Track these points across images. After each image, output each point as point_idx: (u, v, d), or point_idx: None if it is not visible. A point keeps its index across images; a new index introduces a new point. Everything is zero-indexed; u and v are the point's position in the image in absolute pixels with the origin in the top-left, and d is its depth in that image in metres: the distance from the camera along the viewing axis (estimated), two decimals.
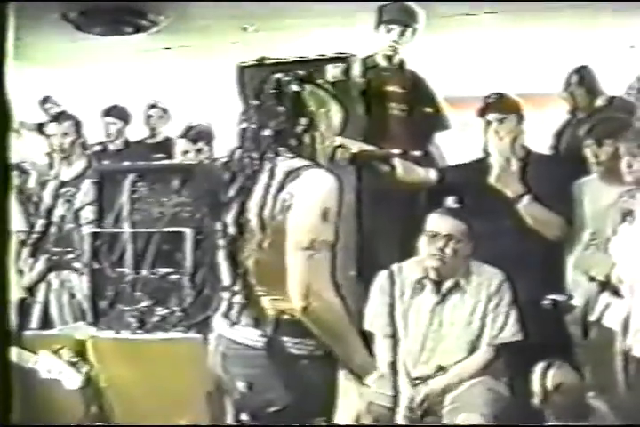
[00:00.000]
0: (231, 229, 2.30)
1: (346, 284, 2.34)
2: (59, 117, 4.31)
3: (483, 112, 3.43)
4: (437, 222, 3.16)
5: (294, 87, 2.29)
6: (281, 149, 2.25)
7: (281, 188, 2.20)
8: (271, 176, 2.24)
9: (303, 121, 2.27)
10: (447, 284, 3.18)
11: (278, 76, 2.31)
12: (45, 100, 5.08)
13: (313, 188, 2.19)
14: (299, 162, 2.23)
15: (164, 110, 5.03)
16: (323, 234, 2.18)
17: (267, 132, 2.26)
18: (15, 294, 3.86)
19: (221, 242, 2.36)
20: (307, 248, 2.16)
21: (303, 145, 2.27)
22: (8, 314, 1.72)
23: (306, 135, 2.27)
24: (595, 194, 3.24)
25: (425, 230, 3.16)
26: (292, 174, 2.20)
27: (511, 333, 3.12)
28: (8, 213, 1.65)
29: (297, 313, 2.22)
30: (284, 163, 2.24)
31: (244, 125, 2.33)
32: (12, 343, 1.83)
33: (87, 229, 3.72)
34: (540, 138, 3.83)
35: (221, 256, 2.38)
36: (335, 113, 2.33)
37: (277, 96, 2.27)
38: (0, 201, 1.63)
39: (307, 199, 2.18)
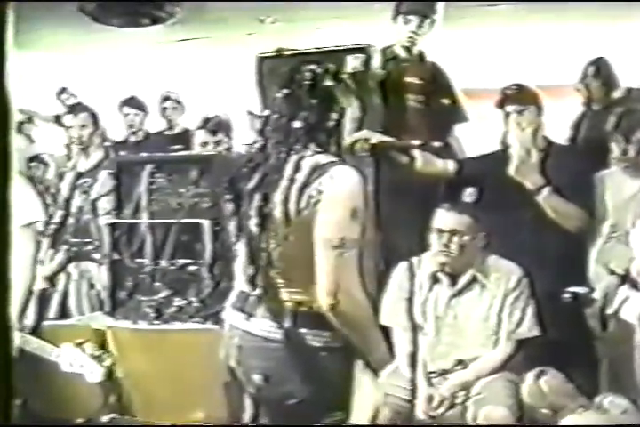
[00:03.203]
0: (253, 220, 2.30)
1: (367, 276, 2.34)
2: (74, 109, 4.33)
3: (502, 103, 3.41)
4: (442, 218, 3.16)
5: (328, 82, 2.28)
6: (311, 142, 2.25)
7: (307, 183, 2.20)
8: (296, 169, 2.23)
9: (334, 116, 2.26)
10: (464, 278, 3.18)
11: (312, 67, 2.30)
12: (62, 91, 5.09)
13: (341, 186, 2.19)
14: (324, 158, 2.23)
15: (178, 102, 5.04)
16: (352, 232, 2.18)
17: (297, 124, 2.25)
18: (35, 284, 3.90)
19: (242, 233, 2.36)
20: (336, 247, 2.17)
21: (332, 140, 2.27)
22: (8, 314, 1.72)
23: (335, 130, 2.27)
24: (617, 186, 3.22)
25: (432, 226, 3.16)
26: (318, 170, 2.20)
27: (528, 328, 3.11)
28: (9, 205, 1.65)
29: (324, 310, 2.22)
30: (311, 158, 2.23)
31: (267, 113, 2.33)
32: (12, 339, 1.84)
33: (104, 220, 3.73)
34: (556, 129, 3.81)
35: (241, 246, 2.38)
36: (356, 106, 2.32)
37: (310, 88, 2.27)
38: (1, 194, 1.63)
39: (335, 198, 2.18)
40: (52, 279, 4.03)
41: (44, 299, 3.96)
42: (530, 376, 3.00)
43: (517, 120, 3.35)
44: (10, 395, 1.82)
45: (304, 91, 2.27)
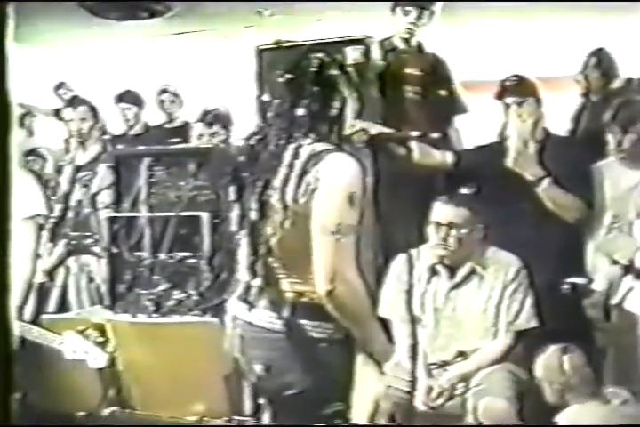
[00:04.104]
0: (253, 206, 2.29)
1: (365, 268, 2.33)
2: (73, 102, 4.33)
3: (501, 95, 3.41)
4: (439, 211, 3.16)
5: (334, 71, 2.28)
6: (312, 131, 2.24)
7: (304, 170, 2.20)
8: (295, 156, 2.23)
9: (336, 104, 2.26)
10: (463, 270, 3.18)
11: (320, 55, 2.30)
12: (60, 85, 5.08)
13: (338, 172, 2.19)
14: (321, 145, 2.23)
15: (176, 95, 5.03)
16: (349, 218, 2.18)
17: (300, 112, 2.25)
18: (35, 278, 3.90)
19: (242, 222, 2.36)
20: (333, 233, 2.16)
21: (333, 129, 2.27)
22: (8, 311, 1.72)
23: (337, 120, 2.27)
24: (615, 177, 3.22)
25: (430, 219, 3.16)
26: (314, 157, 2.20)
27: (526, 319, 3.12)
28: (10, 198, 1.65)
29: (320, 297, 2.22)
30: (309, 146, 2.23)
31: (269, 98, 2.32)
32: (12, 335, 1.84)
33: (104, 214, 3.73)
34: (556, 121, 3.80)
35: (242, 236, 2.38)
36: (356, 97, 2.32)
37: (315, 75, 2.27)
38: (1, 188, 1.63)
39: (332, 184, 2.18)
40: (51, 273, 4.04)
41: (43, 292, 3.96)
42: (553, 349, 2.97)
43: (518, 112, 3.35)
44: (9, 391, 1.82)
45: (308, 78, 2.27)
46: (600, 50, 3.99)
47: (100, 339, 3.29)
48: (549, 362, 2.96)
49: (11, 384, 1.79)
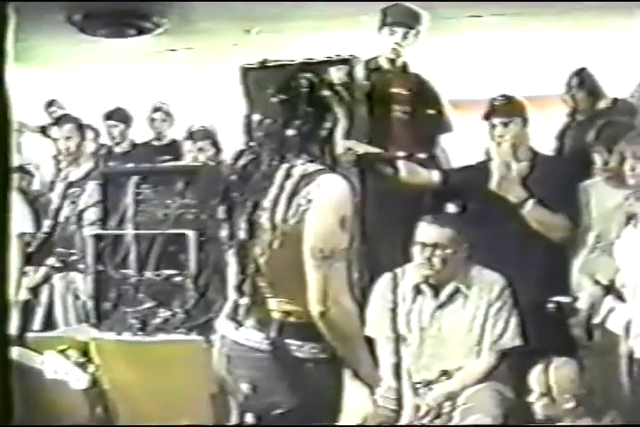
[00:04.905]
0: (242, 226, 2.28)
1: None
2: (60, 121, 4.34)
3: (488, 115, 3.43)
4: (424, 231, 3.16)
5: (325, 91, 2.28)
6: (303, 151, 2.24)
7: (295, 190, 2.19)
8: (287, 177, 2.22)
9: (327, 125, 2.26)
10: (447, 289, 3.18)
11: (308, 75, 2.29)
12: (50, 103, 5.10)
13: (330, 193, 2.17)
14: (313, 166, 2.22)
15: (168, 114, 5.04)
16: (341, 242, 2.17)
17: (291, 133, 2.24)
18: (19, 295, 3.88)
19: (230, 241, 2.34)
20: (326, 257, 2.15)
21: (325, 150, 2.26)
22: (8, 315, 1.72)
23: (328, 140, 2.27)
24: (601, 196, 3.23)
25: (415, 239, 3.16)
26: (306, 178, 2.19)
27: (510, 338, 3.12)
28: (9, 215, 1.65)
29: (310, 317, 2.21)
30: (302, 166, 2.22)
31: (260, 118, 2.31)
32: (12, 344, 1.83)
33: (90, 231, 3.73)
34: (542, 140, 3.83)
35: (230, 255, 2.37)
36: (343, 117, 2.32)
37: (307, 96, 2.26)
38: (1, 203, 1.62)
39: (324, 206, 2.16)
40: (37, 290, 4.02)
41: (28, 310, 3.94)
42: (565, 361, 2.97)
43: (501, 133, 3.36)
44: (9, 399, 1.81)
45: (300, 98, 2.26)
46: (582, 70, 4.03)
47: (82, 359, 3.27)
48: (564, 374, 2.95)
49: (10, 394, 1.78)
